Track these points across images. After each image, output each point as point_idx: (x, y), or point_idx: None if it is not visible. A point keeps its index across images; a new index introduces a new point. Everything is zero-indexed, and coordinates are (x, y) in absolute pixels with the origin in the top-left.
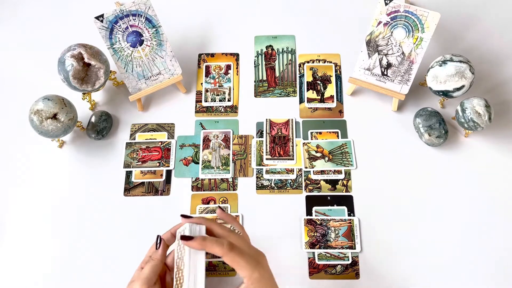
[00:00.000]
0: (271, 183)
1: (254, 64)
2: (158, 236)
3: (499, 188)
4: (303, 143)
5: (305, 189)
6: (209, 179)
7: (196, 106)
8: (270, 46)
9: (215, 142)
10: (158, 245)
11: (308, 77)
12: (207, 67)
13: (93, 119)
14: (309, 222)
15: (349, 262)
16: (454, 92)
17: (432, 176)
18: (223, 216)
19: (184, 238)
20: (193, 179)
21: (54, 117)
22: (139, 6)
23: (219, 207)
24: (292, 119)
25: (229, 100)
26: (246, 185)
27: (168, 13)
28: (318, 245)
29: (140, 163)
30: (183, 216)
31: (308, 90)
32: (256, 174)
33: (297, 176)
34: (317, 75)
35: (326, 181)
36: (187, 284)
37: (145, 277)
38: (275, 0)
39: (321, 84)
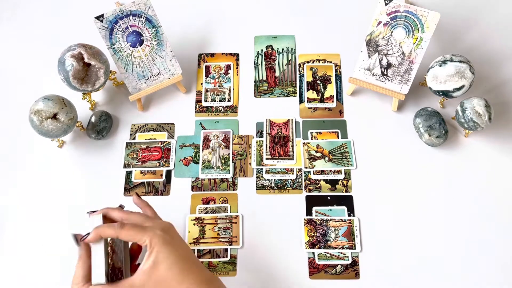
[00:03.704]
0: (271, 183)
1: (254, 64)
2: (71, 234)
3: (499, 188)
4: (303, 143)
5: (305, 189)
6: (209, 179)
7: (196, 106)
8: (270, 46)
9: (215, 142)
10: (76, 243)
11: (308, 77)
12: (207, 67)
13: (93, 119)
14: (309, 222)
15: (349, 262)
16: (454, 92)
17: (432, 176)
18: (138, 202)
19: (82, 238)
20: (193, 179)
21: (54, 117)
22: (139, 6)
23: (136, 193)
24: (292, 119)
25: (229, 100)
26: (246, 185)
27: (168, 13)
28: (318, 245)
29: (140, 163)
30: (89, 212)
31: (308, 90)
32: (256, 174)
33: (297, 176)
34: (317, 75)
35: (326, 181)
36: (93, 278)
37: (78, 276)
38: (275, 0)
39: (321, 84)
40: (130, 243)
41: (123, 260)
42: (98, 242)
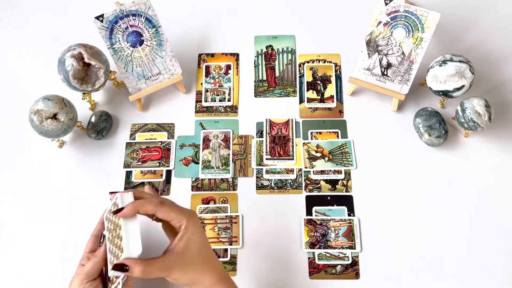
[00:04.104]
0: (271, 183)
1: (254, 64)
2: (101, 234)
3: (499, 188)
4: (303, 143)
5: (305, 189)
6: (209, 179)
7: (196, 106)
8: (270, 46)
9: (215, 142)
10: (101, 242)
11: (308, 77)
12: (207, 67)
13: (93, 119)
14: (309, 222)
15: (349, 262)
16: (454, 92)
17: (432, 176)
18: (150, 191)
19: (116, 212)
20: (193, 179)
21: (54, 117)
22: (139, 6)
23: (149, 182)
24: (292, 119)
25: (229, 100)
26: (246, 185)
27: (168, 13)
28: (318, 245)
29: (140, 163)
30: (111, 192)
31: (308, 90)
32: (256, 174)
33: (297, 176)
34: (317, 75)
35: (326, 181)
36: (127, 250)
37: (86, 272)
38: (275, 0)
39: (321, 84)
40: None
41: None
42: (132, 218)
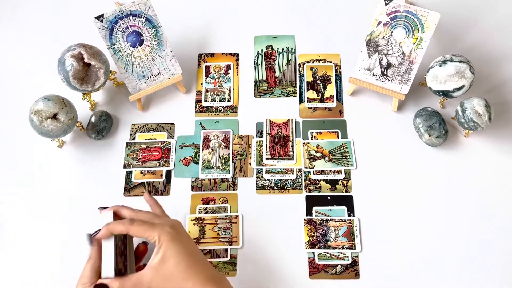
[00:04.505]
0: (271, 183)
1: (254, 64)
2: (87, 234)
3: (499, 188)
4: (303, 143)
5: (305, 189)
6: (209, 179)
7: (196, 106)
8: (270, 46)
9: (215, 142)
10: (90, 243)
11: (308, 77)
12: (207, 67)
13: (93, 119)
14: (309, 222)
15: (349, 262)
16: (454, 92)
17: (432, 176)
18: (149, 199)
19: (93, 235)
20: (193, 179)
21: (54, 117)
22: (139, 6)
23: (148, 191)
24: (292, 119)
25: (229, 100)
26: (246, 185)
27: (168, 13)
28: (318, 245)
29: (140, 163)
30: (99, 208)
31: (308, 90)
32: (256, 174)
33: (297, 176)
34: (317, 75)
35: (326, 181)
36: (103, 272)
37: (85, 276)
38: (275, 0)
39: (321, 84)
40: (134, 246)
41: (127, 261)
42: (108, 239)
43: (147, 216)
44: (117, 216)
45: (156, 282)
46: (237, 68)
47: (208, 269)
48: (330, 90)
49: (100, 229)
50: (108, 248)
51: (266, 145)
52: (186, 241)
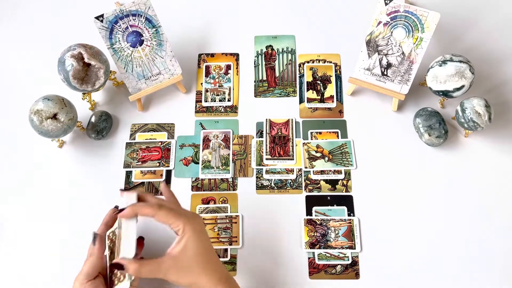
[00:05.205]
0: (271, 183)
1: (254, 64)
2: (93, 232)
3: (499, 188)
4: (303, 143)
5: (305, 189)
6: (209, 179)
7: (196, 106)
8: (270, 46)
9: (215, 142)
10: (94, 241)
11: (308, 77)
12: (207, 67)
13: (93, 119)
14: (309, 222)
15: (349, 262)
16: (454, 92)
17: (432, 176)
18: (165, 190)
19: (118, 212)
20: (193, 179)
21: (54, 117)
22: (139, 6)
23: (164, 181)
24: (292, 119)
25: (229, 100)
26: (246, 185)
27: (168, 13)
28: (318, 245)
29: (140, 163)
30: (121, 189)
31: (308, 90)
32: (256, 174)
33: (297, 176)
34: (317, 75)
35: (326, 181)
36: (123, 250)
37: (83, 273)
38: (275, 0)
39: (321, 84)
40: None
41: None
42: (131, 219)
43: (173, 204)
44: (140, 200)
45: (173, 271)
46: (237, 68)
47: (222, 269)
48: (330, 90)
49: (123, 208)
50: (130, 229)
51: (266, 145)
52: (206, 237)
